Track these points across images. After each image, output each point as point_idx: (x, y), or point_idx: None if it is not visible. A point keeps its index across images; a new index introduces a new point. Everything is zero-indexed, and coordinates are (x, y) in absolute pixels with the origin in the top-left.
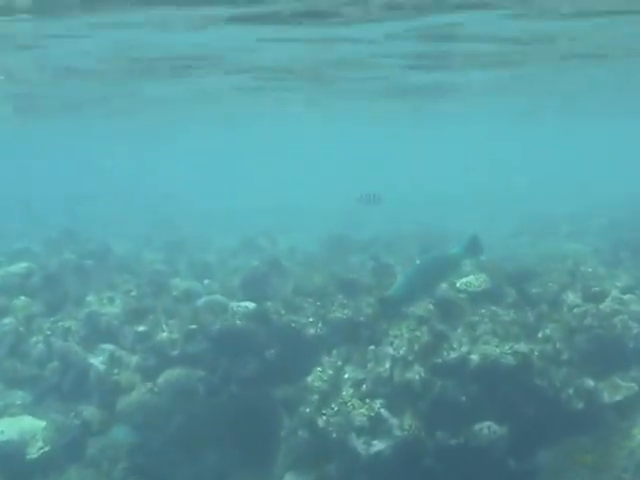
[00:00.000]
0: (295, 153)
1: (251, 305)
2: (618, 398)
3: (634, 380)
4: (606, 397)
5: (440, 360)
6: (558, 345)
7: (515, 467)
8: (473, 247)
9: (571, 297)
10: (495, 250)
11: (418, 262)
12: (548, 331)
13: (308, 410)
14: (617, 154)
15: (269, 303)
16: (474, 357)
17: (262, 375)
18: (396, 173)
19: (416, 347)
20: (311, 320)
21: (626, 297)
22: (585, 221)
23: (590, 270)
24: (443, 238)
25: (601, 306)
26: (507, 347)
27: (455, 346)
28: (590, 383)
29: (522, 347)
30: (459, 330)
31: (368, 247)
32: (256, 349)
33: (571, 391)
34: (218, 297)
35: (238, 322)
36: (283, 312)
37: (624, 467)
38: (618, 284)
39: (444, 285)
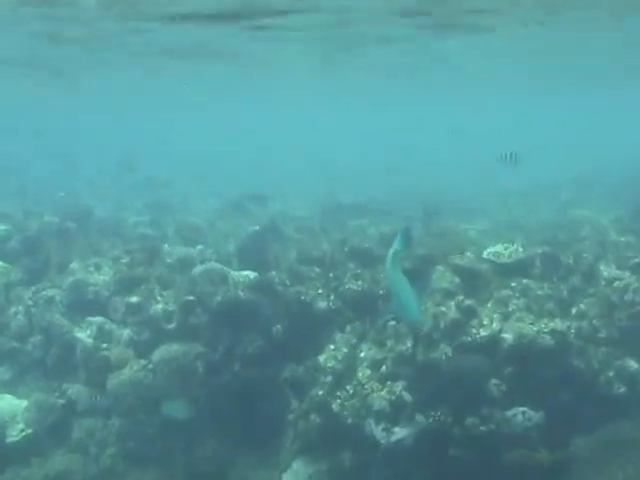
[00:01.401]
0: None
1: (253, 275)
2: None
3: None
4: None
5: (469, 339)
6: (595, 322)
7: (552, 459)
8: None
9: (607, 270)
10: (496, 217)
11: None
12: (583, 306)
13: (321, 393)
14: (605, 122)
15: (273, 273)
16: (507, 336)
17: (268, 353)
18: (382, 140)
19: (442, 324)
20: (321, 292)
21: None
22: (584, 188)
23: (623, 240)
24: (438, 201)
25: None
26: (543, 325)
27: (485, 323)
28: (632, 365)
29: (559, 325)
30: (489, 305)
31: (364, 213)
32: (261, 324)
33: (611, 373)
34: (216, 265)
35: (241, 294)
36: (288, 283)
37: None
38: None
39: (470, 255)
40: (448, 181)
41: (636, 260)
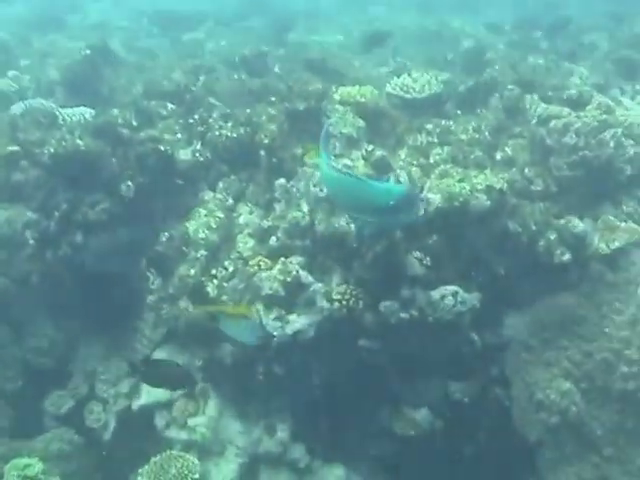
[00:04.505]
0: None
1: (88, 113)
2: (616, 244)
3: (630, 218)
4: (598, 243)
5: None
6: (527, 172)
7: (482, 344)
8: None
9: (535, 103)
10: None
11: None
12: (510, 151)
13: (192, 271)
14: None
15: (115, 111)
16: (433, 196)
17: (117, 218)
18: None
19: None
20: (180, 137)
21: (611, 103)
22: None
23: (542, 63)
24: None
25: (585, 118)
26: (475, 181)
27: (402, 180)
28: (577, 225)
29: (494, 180)
30: (402, 156)
31: (196, 24)
32: (106, 181)
33: (552, 237)
34: (43, 103)
35: (80, 142)
36: (136, 124)
37: (621, 338)
38: (580, 82)
39: (372, 89)
40: None
41: (572, 92)
